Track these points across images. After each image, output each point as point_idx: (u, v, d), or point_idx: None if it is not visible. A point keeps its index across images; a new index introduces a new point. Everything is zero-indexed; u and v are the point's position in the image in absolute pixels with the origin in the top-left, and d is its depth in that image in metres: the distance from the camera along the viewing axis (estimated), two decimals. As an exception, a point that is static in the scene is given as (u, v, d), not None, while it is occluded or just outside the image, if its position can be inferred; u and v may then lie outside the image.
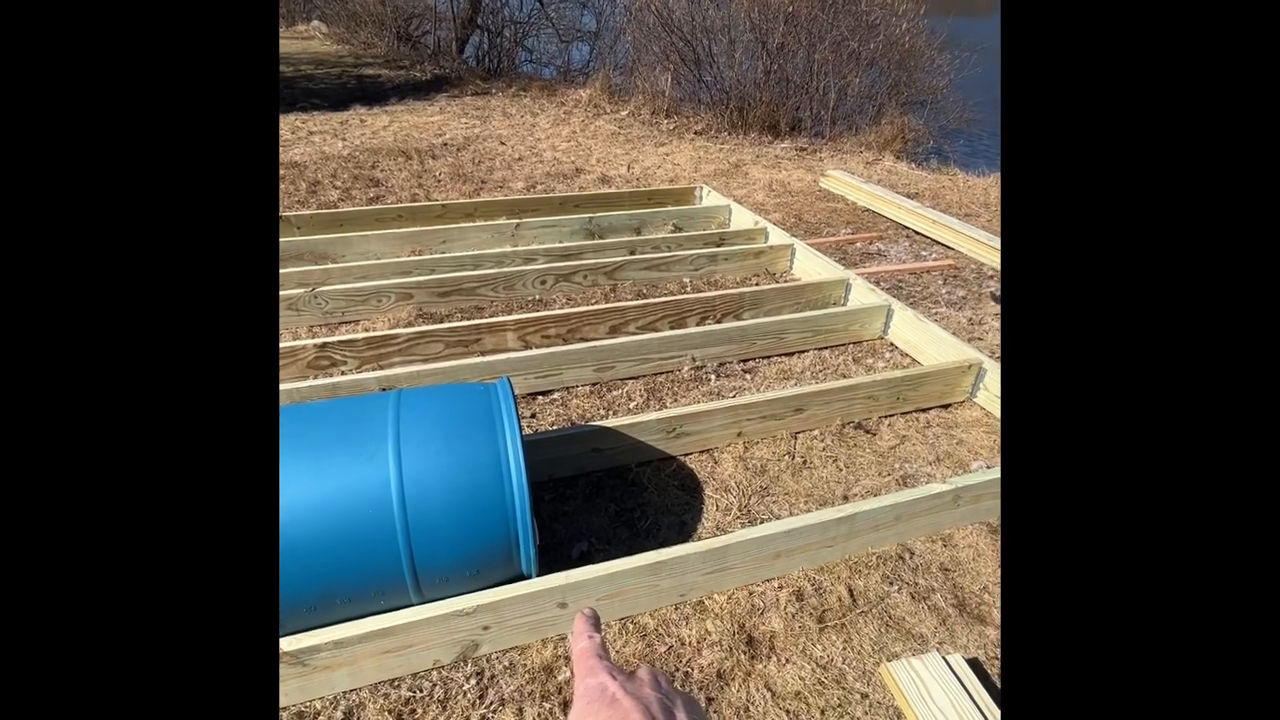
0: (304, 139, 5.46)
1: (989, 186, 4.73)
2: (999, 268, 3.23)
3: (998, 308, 2.87)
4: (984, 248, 3.34)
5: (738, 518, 1.64)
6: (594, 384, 2.18)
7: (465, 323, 2.26)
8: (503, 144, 5.49)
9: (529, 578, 1.27)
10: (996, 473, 1.60)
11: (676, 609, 1.39)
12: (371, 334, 2.16)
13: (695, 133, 6.01)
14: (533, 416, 2.02)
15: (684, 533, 1.60)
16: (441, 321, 2.59)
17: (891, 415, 2.06)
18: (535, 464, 1.69)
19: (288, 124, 5.90)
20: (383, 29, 10.65)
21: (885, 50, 6.07)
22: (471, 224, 3.36)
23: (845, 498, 1.70)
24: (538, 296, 2.78)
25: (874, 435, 1.97)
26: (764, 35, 6.06)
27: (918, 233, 3.73)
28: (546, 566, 1.32)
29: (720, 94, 6.39)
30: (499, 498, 1.18)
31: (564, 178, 4.62)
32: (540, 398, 2.12)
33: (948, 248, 3.52)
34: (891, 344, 2.48)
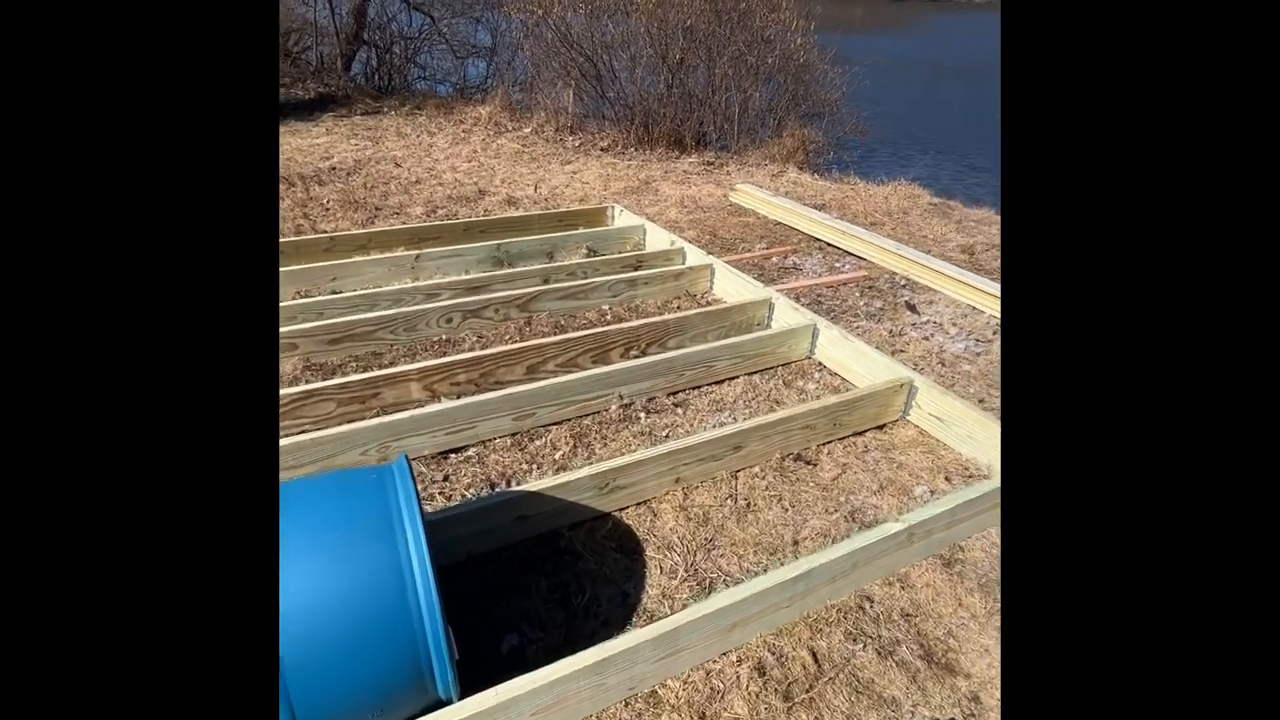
0: (165, 167, 4.88)
1: (889, 195, 4.90)
2: (910, 276, 3.30)
3: (914, 316, 2.90)
4: (894, 257, 3.40)
5: (685, 580, 1.49)
6: (514, 434, 1.97)
7: (359, 376, 1.99)
8: (398, 166, 5.14)
9: (450, 703, 1.05)
10: (945, 503, 1.54)
11: (627, 705, 1.21)
12: (244, 399, 1.84)
13: (602, 149, 5.89)
14: (445, 480, 1.78)
15: (627, 605, 1.42)
16: (333, 374, 2.29)
17: (829, 442, 1.98)
18: (450, 543, 1.46)
19: (145, 150, 5.27)
20: (257, 44, 9.86)
21: (782, 64, 6.23)
22: (365, 257, 3.05)
23: (795, 543, 1.59)
24: (444, 336, 2.52)
25: (815, 466, 1.88)
26: (664, 50, 6.05)
27: (830, 244, 3.77)
28: (469, 682, 1.11)
29: (624, 110, 6.32)
30: (402, 617, 0.96)
31: (467, 201, 4.35)
32: (454, 456, 1.88)
33: (859, 258, 3.57)
34: (820, 363, 2.43)
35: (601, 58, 6.37)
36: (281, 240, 3.24)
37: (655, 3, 5.93)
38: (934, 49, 18.09)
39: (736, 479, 1.80)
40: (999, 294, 3.00)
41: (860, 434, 2.03)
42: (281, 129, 6.37)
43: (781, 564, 1.47)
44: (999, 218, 4.53)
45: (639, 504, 1.70)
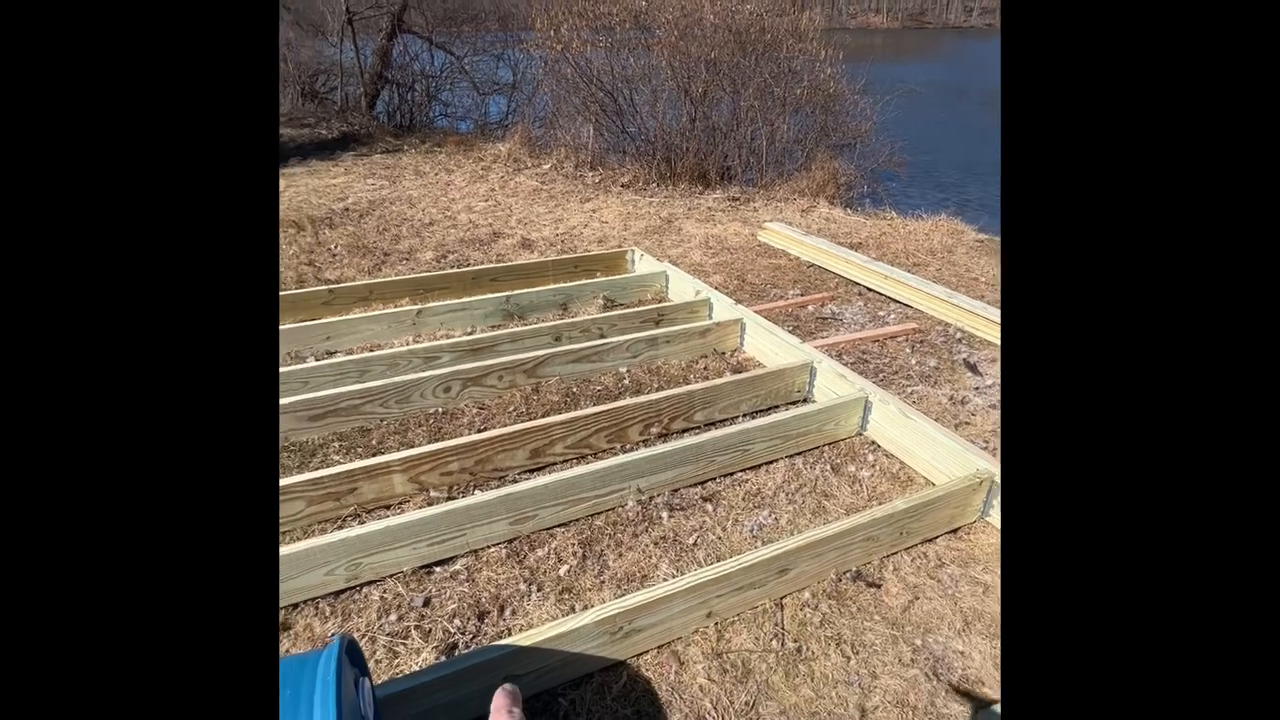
0: (177, 212, 4.77)
1: (930, 231, 4.55)
2: (965, 328, 2.93)
3: (976, 379, 2.54)
4: (946, 305, 3.04)
5: (720, 769, 1.14)
6: (510, 541, 1.65)
7: (332, 470, 1.70)
8: (412, 207, 4.97)
9: None
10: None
11: None
12: (195, 502, 1.56)
13: (622, 185, 5.67)
14: (426, 605, 1.47)
15: (645, 809, 1.08)
16: (312, 456, 2.01)
17: (895, 553, 1.62)
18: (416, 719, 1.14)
19: (160, 194, 5.19)
20: (286, 86, 10.01)
21: (810, 95, 5.97)
22: (364, 313, 2.81)
23: (863, 714, 1.23)
24: (441, 408, 2.24)
25: (879, 589, 1.52)
26: (686, 83, 5.85)
27: (871, 290, 3.43)
28: None
29: (645, 144, 6.11)
30: None
31: (480, 244, 4.13)
32: (439, 570, 1.57)
33: (906, 305, 3.22)
34: (873, 442, 2.08)
35: (622, 92, 6.19)
36: (281, 293, 3.03)
37: (677, 36, 5.74)
38: (965, 75, 17.77)
39: (782, 609, 1.45)
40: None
41: (931, 541, 1.67)
42: (301, 169, 6.31)
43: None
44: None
45: (661, 646, 1.36)
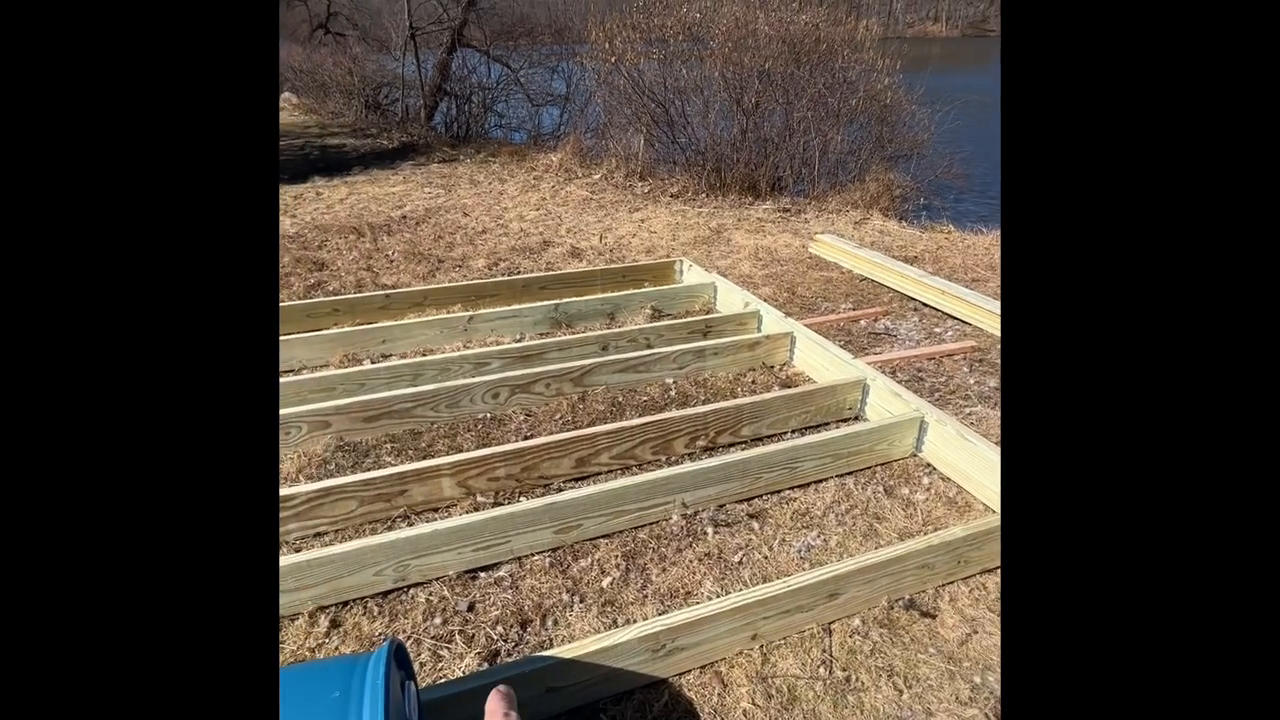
0: (248, 217, 5.02)
1: (989, 245, 4.38)
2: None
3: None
4: (1008, 324, 2.91)
5: (763, 799, 1.10)
6: (554, 550, 1.65)
7: (384, 471, 1.74)
8: (466, 215, 5.09)
9: None
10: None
11: None
12: (256, 498, 1.62)
13: (671, 195, 5.68)
14: (470, 610, 1.48)
15: (684, 836, 1.05)
16: (365, 456, 2.07)
17: (951, 582, 1.55)
18: (461, 722, 1.14)
19: (234, 201, 5.47)
20: (351, 98, 10.46)
21: (866, 105, 5.86)
22: (418, 318, 2.88)
23: (917, 752, 1.17)
24: (489, 414, 2.27)
25: (934, 619, 1.45)
26: (738, 94, 5.82)
27: (926, 305, 3.32)
28: None
29: (695, 155, 6.11)
30: None
31: (531, 252, 4.19)
32: (483, 576, 1.58)
33: (964, 323, 3.10)
34: (928, 464, 2.00)
35: (674, 103, 6.21)
36: (340, 297, 3.15)
37: (731, 47, 5.73)
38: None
39: (830, 634, 1.40)
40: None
41: (990, 572, 1.59)
42: (363, 177, 6.57)
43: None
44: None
45: (704, 667, 1.33)
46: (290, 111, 11.92)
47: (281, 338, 2.65)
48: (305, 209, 5.32)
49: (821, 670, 1.32)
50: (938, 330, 3.06)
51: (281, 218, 5.03)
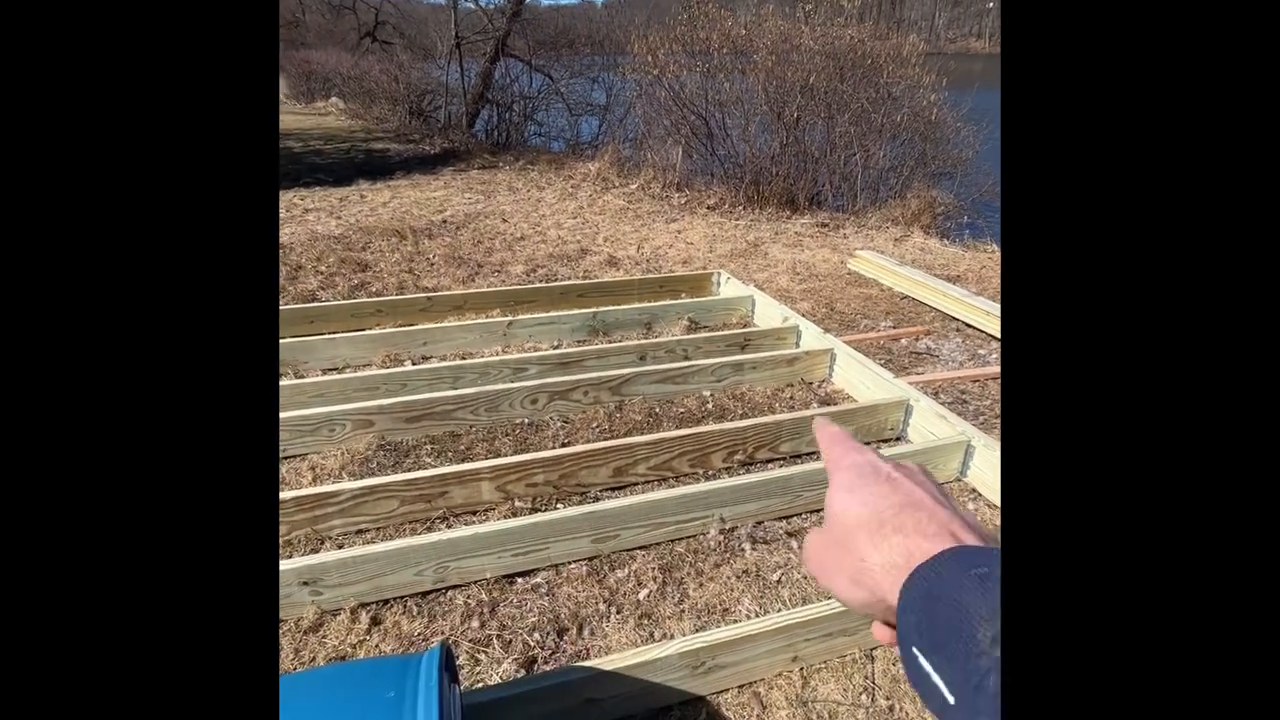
0: (297, 217, 5.17)
1: (1036, 266, 4.27)
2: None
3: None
4: (1056, 348, 2.83)
5: (803, 828, 1.07)
6: (591, 559, 1.65)
7: (426, 472, 1.76)
8: (505, 221, 5.17)
9: None
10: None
11: None
12: (302, 492, 1.66)
13: (708, 207, 5.68)
14: (508, 615, 1.49)
15: None
16: (406, 455, 2.10)
17: (998, 614, 1.50)
18: (499, 728, 1.14)
19: (285, 201, 5.64)
20: (395, 104, 10.74)
21: (909, 122, 5.79)
22: (458, 321, 2.93)
23: (965, 790, 1.13)
24: (527, 419, 2.29)
25: (980, 652, 1.41)
26: (780, 107, 5.81)
27: (969, 325, 3.25)
28: None
29: (734, 167, 6.11)
30: None
31: (568, 260, 4.23)
32: (520, 581, 1.59)
33: (1009, 345, 3.02)
34: (973, 490, 1.95)
35: (714, 115, 6.23)
36: (382, 298, 3.22)
37: (774, 61, 5.73)
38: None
39: (873, 661, 1.37)
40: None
41: (1040, 605, 1.53)
42: (405, 181, 6.72)
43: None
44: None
45: (742, 686, 1.31)
46: (337, 116, 12.31)
47: (327, 336, 2.72)
48: (350, 211, 5.45)
49: (864, 698, 1.29)
50: (981, 352, 2.99)
51: (327, 219, 5.17)
